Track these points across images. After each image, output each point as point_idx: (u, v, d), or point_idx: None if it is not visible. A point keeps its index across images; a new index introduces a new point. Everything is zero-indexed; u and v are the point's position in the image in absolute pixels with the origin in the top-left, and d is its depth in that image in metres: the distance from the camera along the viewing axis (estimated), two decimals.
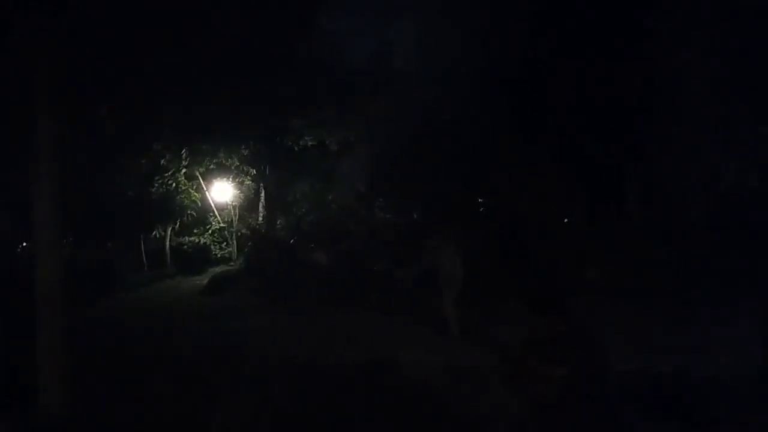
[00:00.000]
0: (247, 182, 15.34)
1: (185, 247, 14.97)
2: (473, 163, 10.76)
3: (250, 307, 10.47)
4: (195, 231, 15.25)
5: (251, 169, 14.84)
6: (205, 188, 14.97)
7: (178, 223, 14.90)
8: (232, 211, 15.46)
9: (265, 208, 14.97)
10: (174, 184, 14.20)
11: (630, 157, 10.24)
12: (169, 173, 14.05)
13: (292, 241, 13.09)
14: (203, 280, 13.19)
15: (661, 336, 6.63)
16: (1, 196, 11.79)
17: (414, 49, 11.94)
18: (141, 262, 14.53)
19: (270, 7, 10.61)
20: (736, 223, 8.56)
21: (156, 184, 14.00)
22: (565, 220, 10.99)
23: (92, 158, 12.04)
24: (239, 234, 15.16)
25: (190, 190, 14.57)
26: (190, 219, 14.93)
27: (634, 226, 9.90)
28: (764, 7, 8.44)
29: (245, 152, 14.44)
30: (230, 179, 15.03)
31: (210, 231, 15.37)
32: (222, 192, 15.17)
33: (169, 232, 14.83)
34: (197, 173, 14.56)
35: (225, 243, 15.42)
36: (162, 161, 13.79)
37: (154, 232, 14.80)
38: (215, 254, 15.09)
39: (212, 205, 15.32)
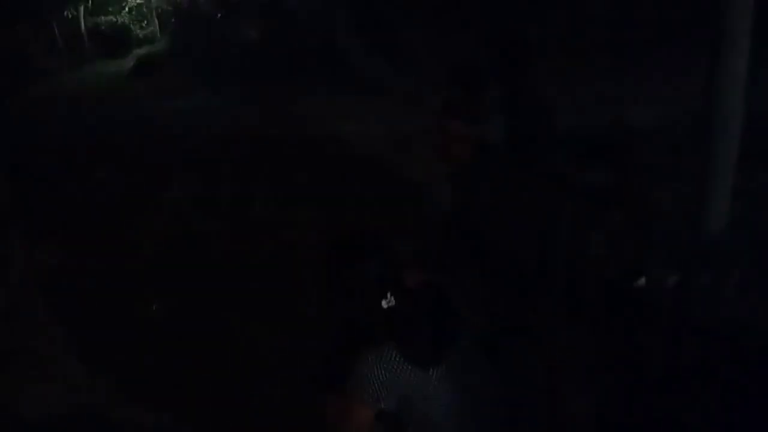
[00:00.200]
0: None
1: (102, 27, 13.71)
2: None
3: (180, 87, 9.95)
4: (110, 9, 13.85)
5: None
6: None
7: (90, 1, 13.46)
8: None
9: None
10: None
11: None
12: None
13: (219, 15, 12.12)
14: (128, 63, 12.36)
15: (600, 89, 6.61)
16: None
17: None
18: (56, 47, 13.35)
19: None
20: None
21: None
22: None
23: None
24: (160, 11, 13.87)
25: None
26: None
27: None
28: None
29: None
30: None
31: (127, 8, 14.00)
32: None
33: (82, 12, 13.45)
34: None
35: (146, 22, 14.16)
36: None
37: (65, 12, 13.39)
38: (136, 34, 13.93)
39: None
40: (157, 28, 14.00)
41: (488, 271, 2.55)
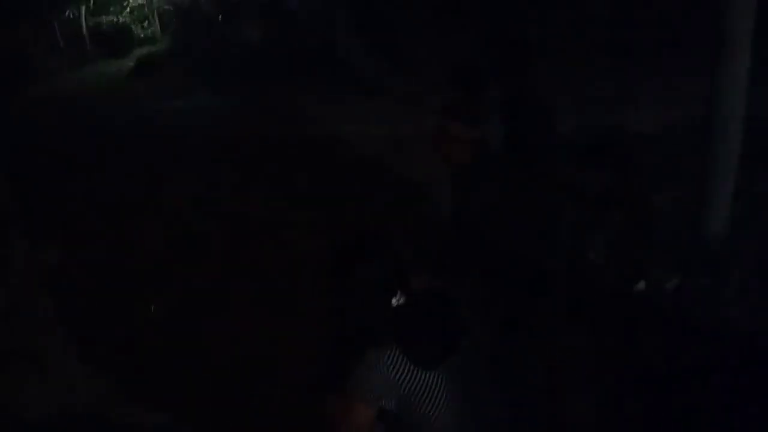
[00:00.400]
0: None
1: (104, 27, 13.71)
2: None
3: (180, 88, 9.95)
4: (111, 9, 13.85)
5: None
6: None
7: (92, 1, 13.45)
8: None
9: None
10: None
11: None
12: None
13: (220, 16, 12.12)
14: (128, 63, 12.36)
15: (601, 92, 6.61)
16: None
17: None
18: (57, 47, 13.35)
19: None
20: None
21: None
22: None
23: None
24: (161, 11, 13.87)
25: None
26: None
27: None
28: None
29: None
30: None
31: (129, 8, 14.00)
32: None
33: (83, 12, 13.45)
34: None
35: (147, 22, 14.16)
36: None
37: (67, 12, 13.39)
38: (138, 34, 13.93)
39: None
40: (158, 28, 14.00)
41: (488, 272, 2.55)
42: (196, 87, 9.79)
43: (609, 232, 3.49)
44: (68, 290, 4.21)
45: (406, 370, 1.64)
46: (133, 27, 13.97)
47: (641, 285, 3.04)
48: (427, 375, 1.67)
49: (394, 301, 1.68)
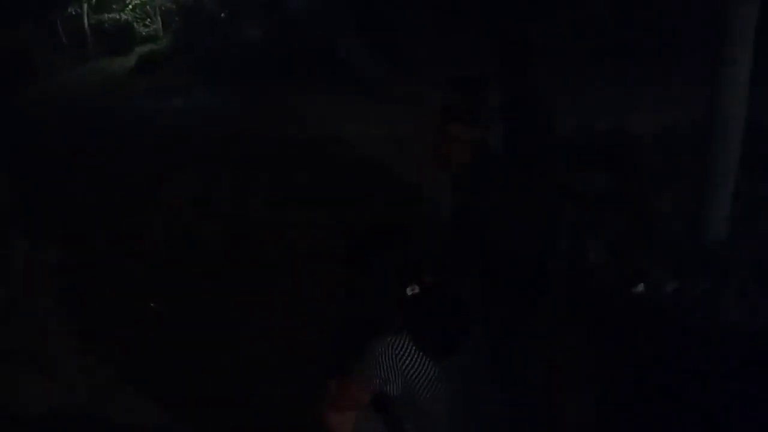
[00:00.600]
0: None
1: (106, 25, 13.69)
2: None
3: (182, 86, 9.95)
4: (113, 6, 13.84)
5: None
6: None
7: None
8: None
9: None
10: None
11: None
12: None
13: (222, 14, 12.12)
14: (130, 60, 12.35)
15: (602, 94, 6.62)
16: None
17: None
18: (60, 44, 13.34)
19: None
20: None
21: None
22: None
23: None
24: (163, 8, 13.86)
25: None
26: None
27: None
28: None
29: None
30: None
31: (131, 6, 13.98)
32: None
33: (85, 9, 13.44)
34: None
35: (149, 19, 14.14)
36: None
37: (69, 9, 13.38)
38: (139, 32, 13.91)
39: None
40: (160, 26, 13.98)
41: (488, 272, 2.56)
42: (197, 85, 9.79)
43: (609, 234, 3.50)
44: (68, 290, 4.21)
45: (411, 359, 1.70)
46: (135, 25, 13.96)
47: (640, 287, 3.04)
48: (431, 367, 1.71)
49: (408, 290, 1.72)
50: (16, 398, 3.26)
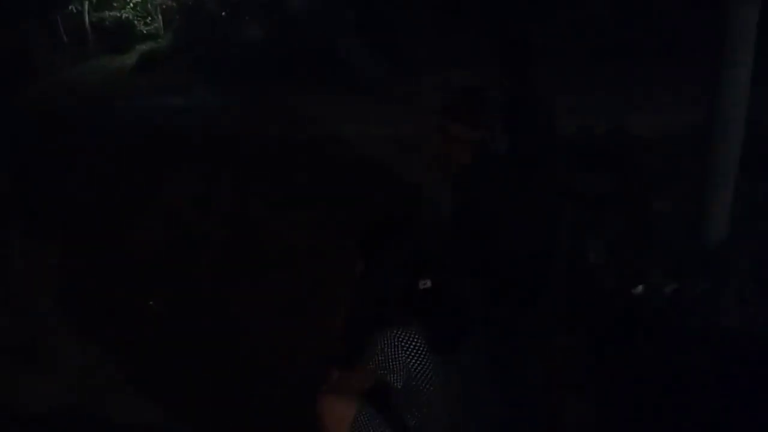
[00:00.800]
0: None
1: (106, 23, 13.69)
2: None
3: (182, 85, 9.95)
4: (115, 4, 13.83)
5: None
6: None
7: None
8: None
9: None
10: None
11: None
12: None
13: (223, 13, 12.12)
14: (131, 58, 12.35)
15: (604, 95, 6.62)
16: None
17: None
18: (60, 41, 13.33)
19: None
20: None
21: None
22: None
23: None
24: (164, 7, 13.86)
25: None
26: None
27: None
28: None
29: None
30: None
31: (132, 4, 13.97)
32: None
33: (86, 6, 13.44)
34: None
35: (150, 18, 14.14)
36: None
37: (70, 7, 13.37)
38: (140, 30, 13.90)
39: None
40: (161, 24, 13.98)
41: (488, 272, 2.56)
42: (197, 84, 9.78)
43: (609, 234, 3.50)
44: (68, 288, 4.21)
45: (414, 353, 1.74)
46: (135, 23, 13.95)
47: (639, 288, 3.04)
48: (434, 362, 1.76)
49: (421, 285, 1.78)
50: (15, 397, 3.26)
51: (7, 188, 5.85)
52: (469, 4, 9.06)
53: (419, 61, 8.63)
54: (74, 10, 13.36)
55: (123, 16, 13.80)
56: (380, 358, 1.75)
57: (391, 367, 1.74)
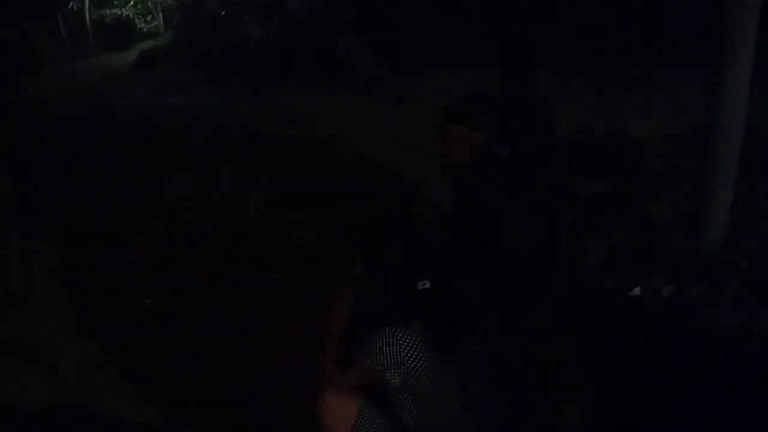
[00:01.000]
0: None
1: (107, 20, 13.69)
2: None
3: (182, 83, 9.94)
4: (115, 2, 13.82)
5: None
6: None
7: None
8: None
9: None
10: None
11: None
12: None
13: (224, 12, 12.11)
14: (131, 56, 12.34)
15: (603, 97, 6.63)
16: None
17: None
18: (60, 38, 13.32)
19: None
20: None
21: None
22: None
23: None
24: (164, 5, 13.85)
25: None
26: None
27: None
28: None
29: None
30: None
31: (132, 1, 13.97)
32: None
33: (87, 4, 13.43)
34: None
35: (150, 15, 14.13)
36: None
37: (71, 4, 13.37)
38: (140, 28, 13.90)
39: None
40: (161, 22, 13.97)
41: (487, 273, 2.57)
42: (197, 82, 9.78)
43: (608, 235, 3.51)
44: (67, 287, 4.21)
45: (412, 351, 1.75)
46: (136, 20, 13.95)
47: (636, 290, 3.04)
48: (432, 360, 1.77)
49: (419, 285, 1.78)
50: (14, 396, 3.26)
51: (6, 186, 5.84)
52: (469, 4, 9.06)
53: (419, 61, 8.63)
54: (75, 8, 13.35)
55: (123, 14, 13.80)
56: (379, 356, 1.76)
57: (388, 365, 1.75)
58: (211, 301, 3.87)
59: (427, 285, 1.76)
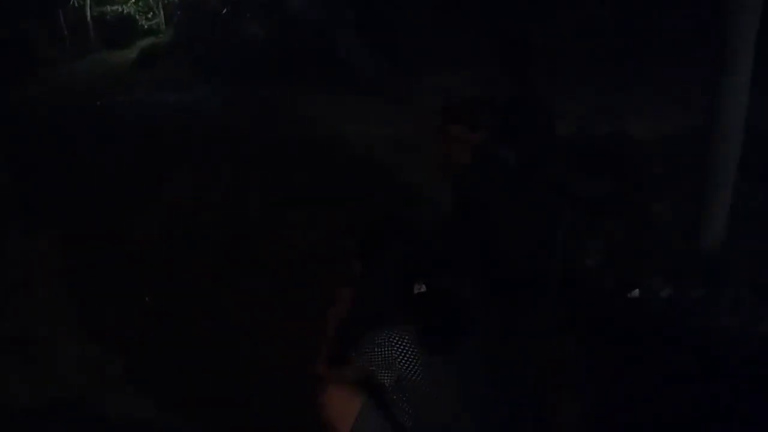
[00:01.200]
0: None
1: (108, 17, 13.69)
2: None
3: (182, 81, 9.94)
4: None
5: None
6: None
7: None
8: None
9: None
10: None
11: None
12: None
13: (225, 10, 12.10)
14: (131, 53, 12.35)
15: (603, 97, 6.62)
16: None
17: None
18: (61, 35, 13.31)
19: None
20: None
21: None
22: None
23: None
24: (165, 2, 13.84)
25: None
26: None
27: None
28: None
29: None
30: None
31: None
32: None
33: (88, 1, 13.43)
34: None
35: (151, 13, 14.13)
36: None
37: (71, 1, 13.37)
38: (141, 25, 13.90)
39: None
40: (162, 20, 13.97)
41: (486, 273, 2.57)
42: (197, 80, 9.78)
43: (609, 236, 3.50)
44: (66, 285, 4.21)
45: (405, 353, 1.76)
46: (137, 18, 13.95)
47: (635, 292, 3.05)
48: (426, 362, 1.77)
49: (416, 288, 1.80)
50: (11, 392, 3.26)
51: (6, 184, 5.84)
52: (469, 4, 9.06)
53: (419, 61, 8.62)
54: (76, 5, 13.35)
55: (124, 11, 13.80)
56: (370, 357, 1.77)
57: (380, 366, 1.76)
58: (210, 299, 3.87)
59: (423, 288, 1.77)
